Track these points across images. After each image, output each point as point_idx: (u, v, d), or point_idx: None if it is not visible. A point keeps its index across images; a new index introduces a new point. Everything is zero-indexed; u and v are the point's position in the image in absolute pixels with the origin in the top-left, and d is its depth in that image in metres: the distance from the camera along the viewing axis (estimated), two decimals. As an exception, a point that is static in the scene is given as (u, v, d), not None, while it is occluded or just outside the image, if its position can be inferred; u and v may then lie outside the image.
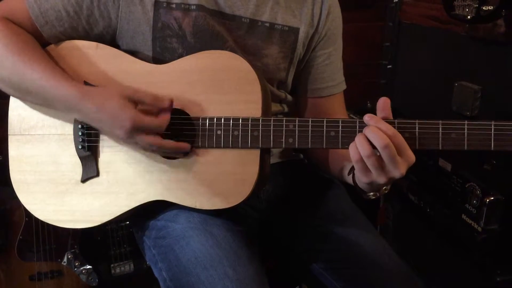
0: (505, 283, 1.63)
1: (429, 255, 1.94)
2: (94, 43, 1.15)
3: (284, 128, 1.05)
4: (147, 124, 1.03)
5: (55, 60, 1.14)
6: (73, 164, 1.15)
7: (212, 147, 1.08)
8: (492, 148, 0.96)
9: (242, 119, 1.06)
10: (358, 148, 0.96)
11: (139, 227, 1.25)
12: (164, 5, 1.14)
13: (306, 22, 1.24)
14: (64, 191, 1.16)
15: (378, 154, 0.95)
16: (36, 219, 1.18)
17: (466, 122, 0.97)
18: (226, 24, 1.17)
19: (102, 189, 1.14)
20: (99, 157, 1.14)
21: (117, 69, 1.13)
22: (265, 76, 1.16)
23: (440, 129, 0.97)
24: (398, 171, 0.95)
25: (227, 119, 1.07)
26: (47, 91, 1.07)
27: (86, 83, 1.12)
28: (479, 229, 1.61)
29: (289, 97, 1.32)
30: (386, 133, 0.94)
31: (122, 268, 1.92)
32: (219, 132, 1.07)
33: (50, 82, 1.06)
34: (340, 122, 1.02)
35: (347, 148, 1.00)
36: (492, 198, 1.57)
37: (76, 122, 1.14)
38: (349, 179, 1.14)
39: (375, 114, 0.99)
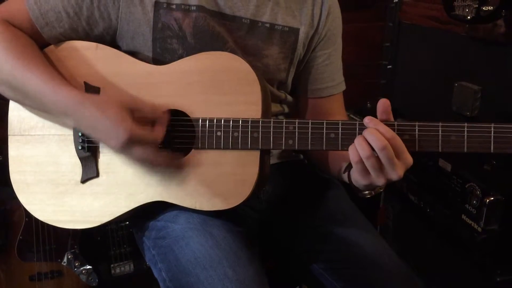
0: (505, 283, 1.63)
1: (429, 255, 1.94)
2: (93, 44, 1.15)
3: (284, 129, 1.05)
4: (142, 137, 1.02)
5: (55, 61, 1.14)
6: (73, 165, 1.15)
7: (212, 148, 1.08)
8: (492, 151, 0.96)
9: (242, 120, 1.06)
10: (357, 149, 0.97)
11: (139, 228, 1.25)
12: (164, 6, 1.14)
13: (306, 22, 1.24)
14: (64, 192, 1.16)
15: (377, 155, 0.95)
16: (36, 219, 1.17)
17: (465, 124, 0.97)
18: (226, 25, 1.17)
19: (102, 189, 1.14)
20: (99, 157, 1.14)
21: (117, 70, 1.13)
22: (265, 77, 1.16)
23: (440, 131, 0.98)
24: (396, 173, 0.96)
25: (227, 120, 1.07)
26: (45, 96, 1.06)
27: (86, 83, 1.12)
28: (479, 229, 1.61)
29: (289, 98, 1.32)
30: (384, 135, 0.95)
31: (122, 269, 1.92)
32: (219, 133, 1.07)
33: (48, 87, 1.06)
34: (340, 124, 1.02)
35: (347, 150, 1.00)
36: (492, 198, 1.57)
37: (76, 122, 1.14)
38: (344, 177, 1.14)
39: (375, 114, 1.00)
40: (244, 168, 1.07)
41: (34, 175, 1.16)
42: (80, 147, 1.14)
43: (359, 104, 2.17)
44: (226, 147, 1.07)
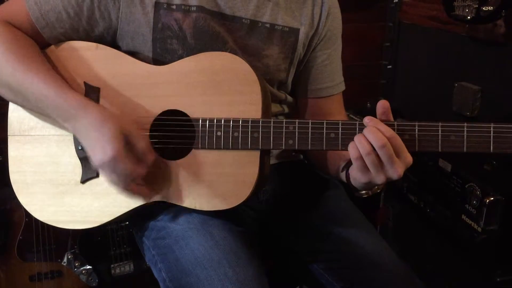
0: (505, 283, 1.63)
1: (429, 255, 1.94)
2: (94, 44, 1.15)
3: (284, 129, 1.05)
4: (123, 166, 1.01)
5: (55, 61, 1.13)
6: (73, 165, 1.15)
7: (212, 149, 1.08)
8: (491, 151, 0.96)
9: (242, 120, 1.06)
10: (357, 146, 0.97)
11: (139, 228, 1.25)
12: (165, 6, 1.14)
13: (306, 23, 1.24)
14: (64, 192, 1.16)
15: (376, 153, 0.96)
16: (36, 219, 1.17)
17: (465, 124, 0.97)
18: (226, 25, 1.17)
19: (102, 189, 1.14)
20: (99, 158, 1.14)
21: (117, 70, 1.13)
22: (266, 77, 1.16)
23: (440, 131, 0.98)
24: (396, 171, 0.97)
25: (227, 121, 1.07)
26: (46, 99, 1.06)
27: (86, 84, 1.12)
28: (479, 229, 1.61)
29: (290, 98, 1.32)
30: (384, 134, 0.96)
31: (122, 269, 1.92)
32: (219, 133, 1.07)
33: (50, 91, 1.05)
34: (340, 124, 1.02)
35: (347, 150, 1.00)
36: (492, 198, 1.57)
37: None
38: (342, 175, 1.15)
39: (375, 114, 1.00)
40: (244, 168, 1.07)
41: (34, 176, 1.16)
42: (80, 147, 1.14)
43: (359, 104, 2.17)
44: (226, 147, 1.07)
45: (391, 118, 1.00)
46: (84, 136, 1.05)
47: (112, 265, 1.91)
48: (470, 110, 1.75)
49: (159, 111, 1.11)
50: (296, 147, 1.05)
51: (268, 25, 1.19)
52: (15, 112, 1.17)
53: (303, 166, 1.42)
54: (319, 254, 1.19)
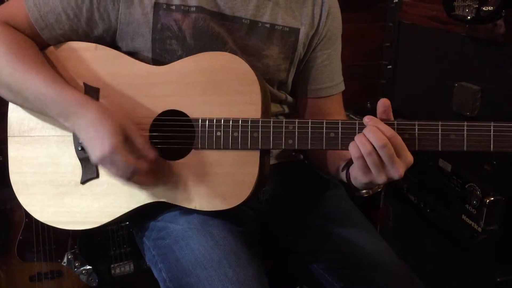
0: (505, 283, 1.63)
1: (429, 255, 1.94)
2: (93, 45, 1.15)
3: (283, 129, 1.05)
4: (122, 160, 1.01)
5: (55, 62, 1.14)
6: (73, 166, 1.15)
7: (212, 149, 1.08)
8: (492, 150, 0.96)
9: (241, 120, 1.06)
10: (358, 146, 0.97)
11: (139, 228, 1.25)
12: (164, 7, 1.13)
13: (306, 22, 1.24)
14: (64, 193, 1.15)
15: (377, 153, 0.96)
16: (36, 220, 1.17)
17: (465, 123, 0.97)
18: (226, 26, 1.17)
19: (102, 190, 1.14)
20: (98, 158, 1.14)
21: (116, 70, 1.13)
22: (266, 77, 1.16)
23: (440, 130, 0.98)
24: (397, 171, 0.96)
25: (226, 121, 1.07)
26: (46, 98, 1.06)
27: (85, 84, 1.12)
28: (479, 229, 1.61)
29: (290, 98, 1.32)
30: (384, 133, 0.96)
31: (122, 269, 1.92)
32: (218, 133, 1.07)
33: (50, 90, 1.06)
34: (339, 123, 1.02)
35: (347, 149, 1.00)
36: (492, 198, 1.57)
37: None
38: (342, 175, 1.14)
39: (375, 114, 1.00)
40: (244, 168, 1.07)
41: (34, 176, 1.16)
42: (80, 148, 1.14)
43: (359, 104, 2.17)
44: (225, 147, 1.07)
45: (392, 117, 1.00)
46: (84, 134, 1.05)
47: (112, 265, 1.91)
48: (470, 110, 1.75)
49: (159, 111, 1.11)
50: (296, 146, 1.05)
51: (268, 25, 1.19)
52: (14, 113, 1.17)
53: (303, 166, 1.42)
54: (319, 254, 1.19)
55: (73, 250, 1.86)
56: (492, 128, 0.96)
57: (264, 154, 1.09)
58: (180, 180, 1.10)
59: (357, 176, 1.02)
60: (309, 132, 1.04)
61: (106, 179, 1.14)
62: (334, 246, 1.18)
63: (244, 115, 1.06)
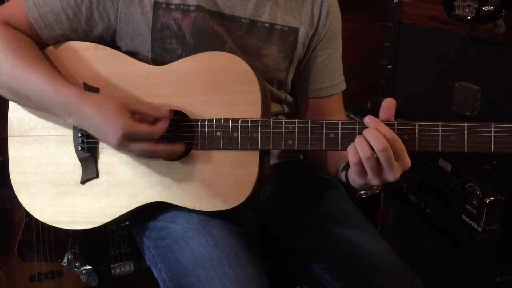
0: (505, 283, 1.63)
1: (429, 255, 1.94)
2: (93, 44, 1.15)
3: (283, 129, 1.04)
4: (139, 132, 1.02)
5: (54, 62, 1.14)
6: (73, 166, 1.15)
7: (212, 149, 1.08)
8: (492, 151, 0.96)
9: (241, 120, 1.06)
10: (357, 149, 0.97)
11: (139, 228, 1.25)
12: (163, 6, 1.13)
13: (306, 22, 1.24)
14: (64, 192, 1.16)
15: (376, 156, 0.95)
16: (36, 220, 1.17)
17: (466, 124, 0.97)
18: (225, 25, 1.17)
19: (102, 190, 1.14)
20: (98, 158, 1.14)
21: (116, 70, 1.13)
22: (265, 77, 1.16)
23: (440, 131, 0.97)
24: (393, 175, 0.96)
25: (226, 121, 1.07)
26: (46, 96, 1.06)
27: (85, 84, 1.12)
28: (479, 229, 1.61)
29: (289, 98, 1.32)
30: (385, 136, 0.95)
31: (122, 269, 1.92)
32: (218, 133, 1.07)
33: (49, 87, 1.06)
34: (339, 124, 1.02)
35: (347, 150, 1.00)
36: (492, 198, 1.57)
37: (75, 123, 1.14)
38: (342, 175, 1.14)
39: (375, 114, 1.00)
40: (244, 168, 1.07)
41: (34, 176, 1.16)
42: (79, 148, 1.14)
43: (359, 104, 2.17)
44: (225, 148, 1.07)
45: (393, 117, 0.99)
46: (91, 128, 1.05)
47: (112, 265, 1.91)
48: (470, 110, 1.75)
49: (159, 111, 1.11)
50: (296, 147, 1.05)
51: (267, 25, 1.19)
52: (15, 112, 1.17)
53: (303, 166, 1.42)
54: (319, 254, 1.19)
55: (73, 250, 1.86)
56: (492, 129, 0.96)
57: (264, 154, 1.09)
58: (180, 180, 1.10)
59: (354, 178, 1.02)
60: (309, 133, 1.03)
61: (106, 179, 1.14)
62: (334, 246, 1.18)
63: (244, 115, 1.06)
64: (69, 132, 1.15)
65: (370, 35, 2.42)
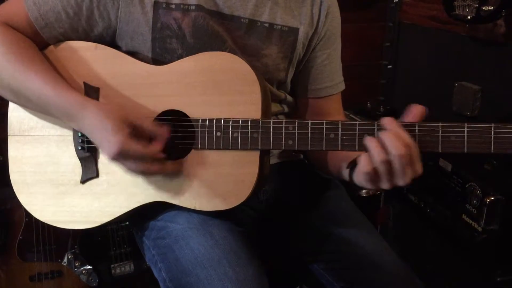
0: (505, 283, 1.63)
1: (429, 255, 1.94)
2: (93, 44, 1.15)
3: (283, 130, 1.04)
4: (133, 151, 1.01)
5: (54, 62, 1.13)
6: (73, 165, 1.15)
7: (212, 149, 1.08)
8: (492, 151, 0.95)
9: (241, 120, 1.06)
10: (372, 152, 0.95)
11: (139, 228, 1.25)
12: (164, 6, 1.13)
13: (305, 22, 1.24)
14: (64, 192, 1.16)
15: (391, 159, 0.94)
16: (36, 219, 1.17)
17: (466, 124, 0.96)
18: (225, 25, 1.17)
19: (102, 190, 1.14)
20: (98, 158, 1.14)
21: (116, 70, 1.13)
22: (265, 76, 1.16)
23: (440, 132, 0.97)
24: (404, 180, 0.95)
25: (226, 121, 1.07)
26: (47, 99, 1.06)
27: (85, 84, 1.12)
28: (479, 229, 1.61)
29: (289, 98, 1.32)
30: (403, 142, 0.94)
31: (122, 269, 1.92)
32: (218, 133, 1.07)
33: (50, 90, 1.06)
34: (339, 124, 1.02)
35: (347, 150, 1.00)
36: (493, 198, 1.57)
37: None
38: (345, 173, 1.12)
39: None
40: (244, 168, 1.07)
41: (34, 176, 1.16)
42: (79, 148, 1.14)
43: (359, 104, 2.17)
44: (225, 148, 1.07)
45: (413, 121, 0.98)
46: (91, 135, 1.06)
47: (112, 265, 1.91)
48: (470, 110, 1.75)
49: (159, 111, 1.11)
50: (296, 147, 1.05)
51: (267, 25, 1.19)
52: (15, 112, 1.17)
53: (303, 166, 1.42)
54: (319, 254, 1.19)
55: (73, 250, 1.86)
56: (492, 129, 0.95)
57: (264, 154, 1.09)
58: (180, 180, 1.10)
59: (362, 183, 1.01)
60: (309, 133, 1.03)
61: (106, 178, 1.14)
62: (334, 246, 1.18)
63: (244, 115, 1.06)
64: (69, 132, 1.15)
65: (370, 35, 2.42)
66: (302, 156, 1.44)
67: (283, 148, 1.06)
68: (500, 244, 1.61)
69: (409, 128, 0.96)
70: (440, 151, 0.98)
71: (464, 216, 1.67)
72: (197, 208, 1.10)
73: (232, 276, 1.00)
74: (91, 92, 1.12)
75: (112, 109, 1.05)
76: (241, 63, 1.07)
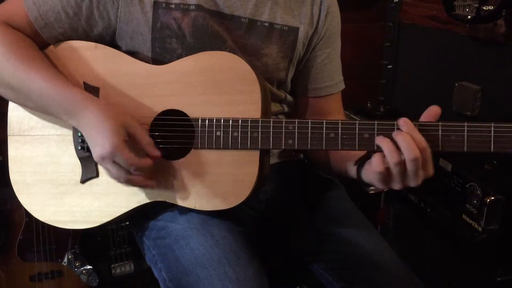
0: (505, 283, 1.63)
1: (429, 255, 1.94)
2: (93, 44, 1.15)
3: (283, 129, 1.04)
4: (123, 158, 1.01)
5: (54, 61, 1.13)
6: (73, 165, 1.15)
7: (212, 148, 1.08)
8: (492, 150, 0.96)
9: (241, 120, 1.06)
10: (387, 153, 0.95)
11: (139, 228, 1.25)
12: (163, 6, 1.13)
13: (305, 22, 1.24)
14: (64, 192, 1.16)
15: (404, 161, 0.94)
16: (36, 219, 1.17)
17: (465, 124, 0.97)
18: (225, 24, 1.17)
19: (102, 189, 1.14)
20: (98, 158, 1.14)
21: (116, 70, 1.13)
22: (265, 76, 1.16)
23: (440, 131, 0.97)
24: (416, 182, 0.96)
25: (226, 120, 1.07)
26: (48, 97, 1.06)
27: (85, 83, 1.12)
28: (480, 229, 1.61)
29: (289, 97, 1.32)
30: (418, 145, 0.94)
31: (122, 269, 1.92)
32: (218, 133, 1.07)
33: (51, 88, 1.06)
34: (339, 123, 1.02)
35: (347, 150, 1.00)
36: (493, 198, 1.57)
37: (75, 123, 1.14)
38: (353, 169, 1.11)
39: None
40: (244, 168, 1.07)
41: (34, 176, 1.16)
42: (79, 147, 1.14)
43: (359, 104, 2.17)
44: (225, 147, 1.07)
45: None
46: (86, 132, 1.06)
47: (112, 265, 1.91)
48: (470, 110, 1.75)
49: (159, 111, 1.11)
50: (296, 147, 1.05)
51: (267, 24, 1.19)
52: (14, 112, 1.17)
53: (303, 165, 1.42)
54: (319, 254, 1.19)
55: (73, 250, 1.86)
56: (492, 128, 0.96)
57: (264, 154, 1.09)
58: (180, 180, 1.10)
59: (374, 182, 1.01)
60: (309, 132, 1.03)
61: (106, 178, 1.13)
62: (334, 246, 1.18)
63: (244, 115, 1.06)
64: (69, 132, 1.15)
65: (370, 35, 2.42)
66: (302, 155, 1.44)
67: (283, 147, 1.06)
68: (500, 244, 1.61)
69: (434, 125, 0.96)
70: (440, 150, 0.98)
71: (464, 216, 1.67)
72: (197, 207, 1.10)
73: (232, 276, 1.00)
74: (91, 91, 1.12)
75: (114, 111, 1.05)
76: (241, 63, 1.07)
